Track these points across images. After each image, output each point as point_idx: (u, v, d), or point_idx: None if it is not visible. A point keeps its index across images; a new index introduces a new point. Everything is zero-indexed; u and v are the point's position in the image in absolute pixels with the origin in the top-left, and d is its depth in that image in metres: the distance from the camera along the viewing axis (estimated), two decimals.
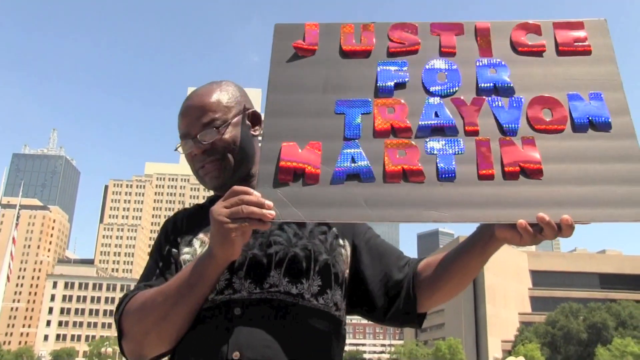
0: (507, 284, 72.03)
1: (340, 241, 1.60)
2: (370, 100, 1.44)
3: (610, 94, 1.42)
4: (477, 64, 1.49)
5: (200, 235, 1.56)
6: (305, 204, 1.31)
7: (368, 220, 1.31)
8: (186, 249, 1.55)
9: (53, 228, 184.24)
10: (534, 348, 53.84)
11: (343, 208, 1.30)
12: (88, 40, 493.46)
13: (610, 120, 1.38)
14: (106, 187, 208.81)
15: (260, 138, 1.55)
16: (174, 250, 1.57)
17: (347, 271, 1.59)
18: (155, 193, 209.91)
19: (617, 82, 1.44)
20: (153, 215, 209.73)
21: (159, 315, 1.39)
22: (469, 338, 72.32)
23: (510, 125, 1.38)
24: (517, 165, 1.33)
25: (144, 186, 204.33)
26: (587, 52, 1.49)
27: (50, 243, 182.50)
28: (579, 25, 1.52)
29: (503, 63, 1.48)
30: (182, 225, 1.64)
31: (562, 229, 1.26)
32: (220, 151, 1.59)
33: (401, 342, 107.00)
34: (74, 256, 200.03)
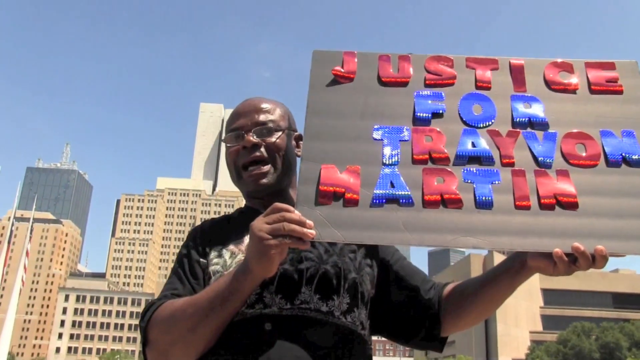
0: (518, 302, 71.40)
1: (369, 261, 1.61)
2: (408, 128, 1.49)
3: None
4: (512, 99, 1.54)
5: (230, 247, 1.55)
6: (345, 226, 1.33)
7: (407, 244, 1.34)
8: (216, 260, 1.54)
9: (65, 242, 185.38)
10: None
11: (382, 231, 1.33)
12: (102, 56, 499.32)
13: None
14: (118, 202, 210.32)
15: (299, 159, 1.58)
16: (202, 260, 1.56)
17: (373, 291, 1.61)
18: (167, 208, 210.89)
19: None
20: (164, 230, 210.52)
21: (189, 326, 1.38)
22: (480, 356, 71.64)
23: (545, 158, 1.43)
24: (553, 197, 1.37)
25: (156, 201, 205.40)
26: (619, 91, 1.54)
27: (63, 256, 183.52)
28: (610, 66, 1.58)
29: (537, 98, 1.53)
30: (210, 235, 1.62)
31: (596, 260, 1.29)
32: (271, 152, 1.61)
33: (411, 359, 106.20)
34: (85, 270, 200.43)
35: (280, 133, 1.64)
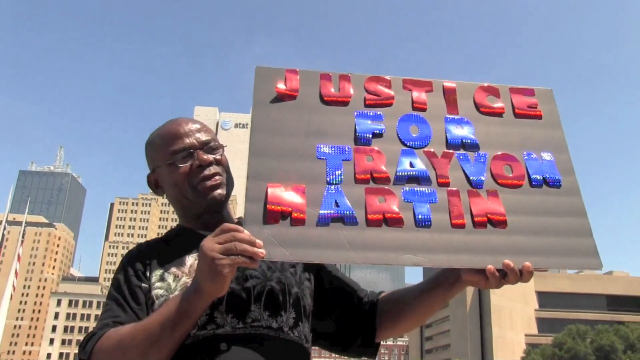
0: (513, 305, 71.31)
1: (307, 274, 1.66)
2: (350, 147, 1.54)
3: (559, 155, 1.61)
4: (446, 120, 1.63)
5: (173, 269, 1.54)
6: (293, 245, 1.36)
7: (352, 262, 1.40)
8: (159, 284, 1.52)
9: (58, 245, 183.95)
10: None
11: (329, 249, 1.38)
12: (96, 59, 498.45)
13: (560, 178, 1.56)
14: (112, 205, 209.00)
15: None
16: (143, 285, 1.53)
17: (312, 304, 1.65)
18: (161, 211, 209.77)
19: (563, 145, 1.64)
20: (158, 234, 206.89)
21: (139, 353, 1.36)
22: (475, 358, 71.53)
23: (476, 179, 1.53)
24: (485, 216, 1.47)
25: (150, 204, 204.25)
26: (538, 116, 1.67)
27: (55, 260, 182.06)
28: (530, 92, 1.71)
29: (468, 121, 1.63)
30: (149, 258, 1.59)
31: (523, 275, 1.41)
32: (224, 167, 1.66)
33: None
34: (78, 274, 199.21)
35: (222, 150, 1.68)
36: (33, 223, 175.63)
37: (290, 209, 1.40)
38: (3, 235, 21.16)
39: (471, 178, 1.53)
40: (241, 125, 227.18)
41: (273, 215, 1.39)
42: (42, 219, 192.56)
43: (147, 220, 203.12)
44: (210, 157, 1.63)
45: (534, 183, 1.55)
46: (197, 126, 1.68)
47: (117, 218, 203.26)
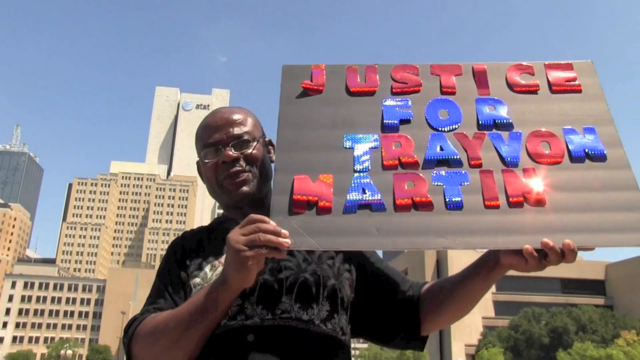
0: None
1: (347, 265, 1.64)
2: (377, 135, 1.54)
3: (602, 128, 1.54)
4: (477, 102, 1.60)
5: (211, 259, 1.58)
6: (319, 233, 1.36)
7: (381, 249, 1.38)
8: (196, 272, 1.56)
9: (14, 226, 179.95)
10: (497, 352, 54.52)
11: (356, 237, 1.37)
12: (54, 35, 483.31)
13: (605, 152, 1.49)
14: (70, 185, 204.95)
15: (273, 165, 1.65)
16: (182, 273, 1.58)
17: (352, 295, 1.64)
18: (120, 192, 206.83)
19: (607, 118, 1.56)
20: (117, 215, 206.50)
21: (171, 340, 1.40)
22: (433, 342, 72.76)
23: (511, 158, 1.48)
24: (521, 195, 1.42)
25: (109, 185, 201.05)
26: (578, 90, 1.62)
27: (10, 242, 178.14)
28: (568, 67, 1.66)
29: (501, 100, 1.59)
30: (190, 247, 1.64)
31: (566, 254, 1.33)
32: (249, 163, 1.64)
33: (365, 345, 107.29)
34: (35, 255, 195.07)
35: (255, 143, 1.67)
36: None
37: (316, 198, 1.41)
38: None
39: (505, 157, 1.48)
40: (202, 107, 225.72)
41: (299, 204, 1.40)
42: None
43: (106, 201, 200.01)
44: (235, 153, 1.62)
45: (575, 158, 1.49)
46: (234, 118, 1.68)
47: (76, 199, 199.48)
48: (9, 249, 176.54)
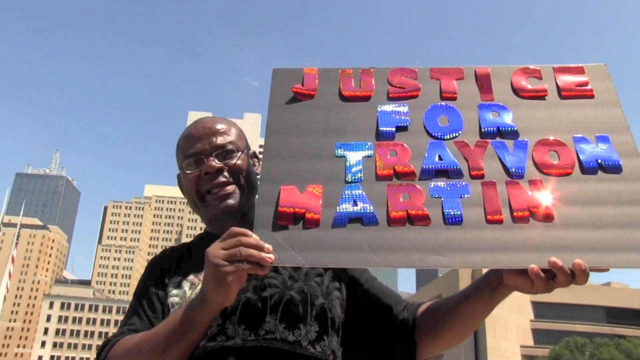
0: (508, 315, 71.00)
1: (337, 284, 1.54)
2: (371, 143, 1.42)
3: (617, 137, 1.41)
4: (480, 108, 1.48)
5: (190, 277, 1.48)
6: (306, 248, 1.25)
7: (372, 266, 1.28)
8: (175, 291, 1.47)
9: (52, 248, 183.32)
10: None
11: (345, 252, 1.26)
12: (91, 64, 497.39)
13: (620, 162, 1.36)
14: (105, 208, 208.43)
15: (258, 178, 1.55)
16: (160, 292, 1.48)
17: (343, 316, 1.53)
18: (154, 215, 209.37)
19: (623, 125, 1.44)
20: (151, 238, 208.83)
21: None
22: None
23: (516, 168, 1.37)
24: (527, 209, 1.30)
25: (143, 208, 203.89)
26: (589, 95, 1.49)
27: (49, 263, 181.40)
28: (579, 70, 1.54)
29: (505, 106, 1.48)
30: (169, 265, 1.55)
31: (576, 275, 1.20)
32: (234, 175, 1.55)
33: None
34: (71, 277, 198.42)
35: (240, 154, 1.58)
36: (28, 225, 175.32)
37: (303, 210, 1.30)
38: None
39: (510, 168, 1.36)
40: None
41: (285, 217, 1.29)
42: (37, 222, 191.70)
43: (140, 224, 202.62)
44: (218, 164, 1.53)
45: (586, 169, 1.36)
46: (217, 127, 1.60)
47: (111, 221, 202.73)
48: (47, 270, 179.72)
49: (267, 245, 1.22)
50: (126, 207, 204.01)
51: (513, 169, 1.36)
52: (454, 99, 1.50)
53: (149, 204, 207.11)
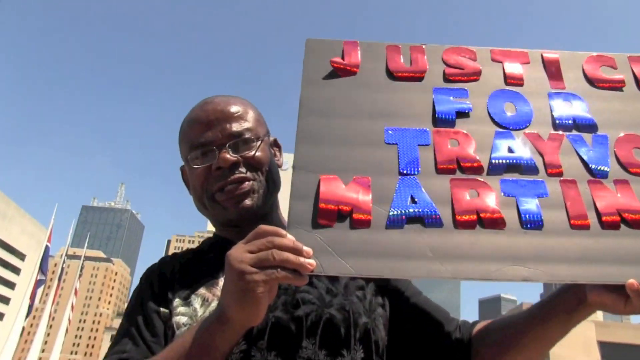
0: (574, 355, 67.68)
1: (380, 299, 1.31)
2: (428, 130, 1.23)
3: None
4: (550, 96, 1.31)
5: (201, 291, 1.21)
6: (354, 254, 1.04)
7: (438, 276, 1.04)
8: (182, 309, 1.19)
9: (115, 281, 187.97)
10: None
11: (404, 260, 1.04)
12: (158, 101, 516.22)
13: None
14: (169, 242, 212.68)
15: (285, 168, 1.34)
16: (163, 310, 1.20)
17: (386, 338, 1.30)
18: None
19: None
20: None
21: None
22: None
23: (598, 166, 1.19)
24: (617, 214, 1.12)
25: None
26: None
27: (111, 295, 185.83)
28: None
29: (579, 96, 1.31)
30: (173, 276, 1.26)
31: None
32: (252, 169, 1.29)
33: None
34: None
35: (259, 143, 1.32)
36: (92, 258, 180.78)
37: (350, 208, 1.09)
38: (62, 269, 21.66)
39: (591, 166, 1.19)
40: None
41: (327, 214, 1.07)
42: (101, 254, 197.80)
43: None
44: (233, 157, 1.27)
45: None
46: (231, 111, 1.32)
47: None
48: (109, 302, 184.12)
49: (307, 248, 0.99)
50: (189, 241, 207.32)
51: (594, 166, 1.19)
52: (520, 84, 1.33)
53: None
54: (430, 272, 1.03)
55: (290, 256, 0.95)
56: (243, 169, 1.27)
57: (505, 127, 1.25)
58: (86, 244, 35.19)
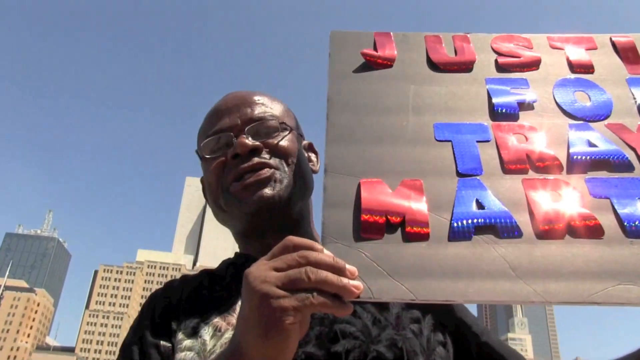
0: None
1: (440, 336, 1.08)
2: (486, 124, 1.06)
3: None
4: (630, 83, 1.14)
5: (214, 320, 1.02)
6: (411, 274, 0.83)
7: (524, 301, 0.81)
8: (188, 342, 1.00)
9: (36, 312, 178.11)
10: None
11: (478, 280, 0.82)
12: (88, 125, 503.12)
13: None
14: (96, 272, 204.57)
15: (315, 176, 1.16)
16: (163, 343, 1.02)
17: None
18: (145, 281, 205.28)
19: None
20: (140, 304, 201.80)
21: None
22: None
23: None
24: None
25: (134, 273, 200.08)
26: None
27: (31, 328, 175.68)
28: None
29: None
30: (179, 303, 1.08)
31: None
32: (281, 156, 1.12)
33: None
34: (54, 343, 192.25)
35: (287, 133, 1.15)
36: (13, 287, 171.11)
37: (400, 218, 0.88)
38: None
39: None
40: None
41: (372, 227, 0.87)
42: (24, 284, 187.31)
43: (131, 289, 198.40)
44: (252, 142, 1.09)
45: None
46: (253, 98, 1.17)
47: (100, 286, 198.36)
48: (28, 335, 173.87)
49: (351, 267, 0.77)
50: (117, 272, 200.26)
51: None
52: (591, 72, 1.16)
53: (141, 269, 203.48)
54: (515, 295, 0.81)
55: (330, 276, 0.74)
56: (266, 155, 1.10)
57: (581, 119, 1.07)
58: (7, 273, 32.24)
